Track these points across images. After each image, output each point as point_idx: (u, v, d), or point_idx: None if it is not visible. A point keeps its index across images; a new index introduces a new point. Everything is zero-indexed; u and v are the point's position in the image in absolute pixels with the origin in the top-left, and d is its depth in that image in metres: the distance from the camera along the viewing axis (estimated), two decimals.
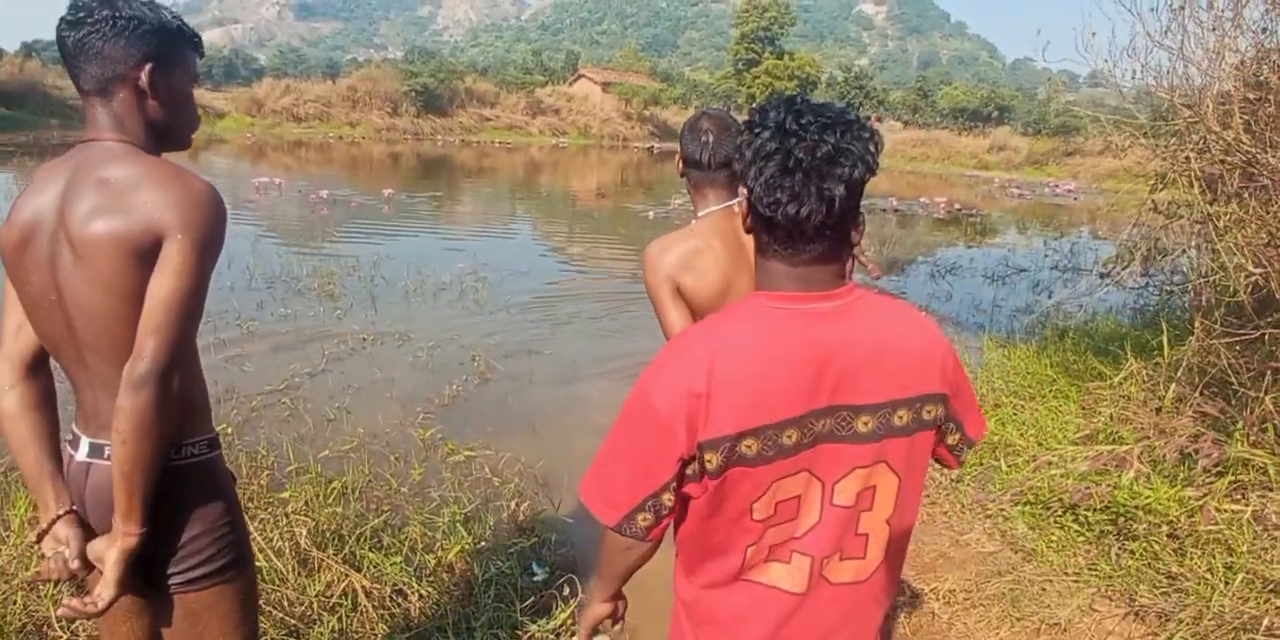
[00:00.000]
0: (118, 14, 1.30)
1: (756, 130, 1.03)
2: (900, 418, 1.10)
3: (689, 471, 1.07)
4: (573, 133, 41.11)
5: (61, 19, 1.31)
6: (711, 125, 1.84)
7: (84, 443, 1.38)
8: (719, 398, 1.02)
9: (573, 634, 2.67)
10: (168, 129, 1.42)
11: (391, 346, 5.93)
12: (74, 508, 1.42)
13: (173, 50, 1.39)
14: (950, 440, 1.22)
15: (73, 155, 1.36)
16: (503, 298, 7.65)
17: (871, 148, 1.03)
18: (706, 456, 1.03)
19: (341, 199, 14.24)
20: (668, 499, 1.08)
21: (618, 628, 1.41)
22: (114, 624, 1.54)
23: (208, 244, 1.30)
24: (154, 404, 1.23)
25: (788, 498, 1.08)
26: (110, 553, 1.29)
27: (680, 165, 1.91)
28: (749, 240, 1.83)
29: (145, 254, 1.26)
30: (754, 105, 1.11)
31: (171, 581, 1.41)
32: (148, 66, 1.34)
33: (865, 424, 1.08)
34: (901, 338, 1.11)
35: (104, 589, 1.28)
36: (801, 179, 1.00)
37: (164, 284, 1.25)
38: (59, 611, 1.38)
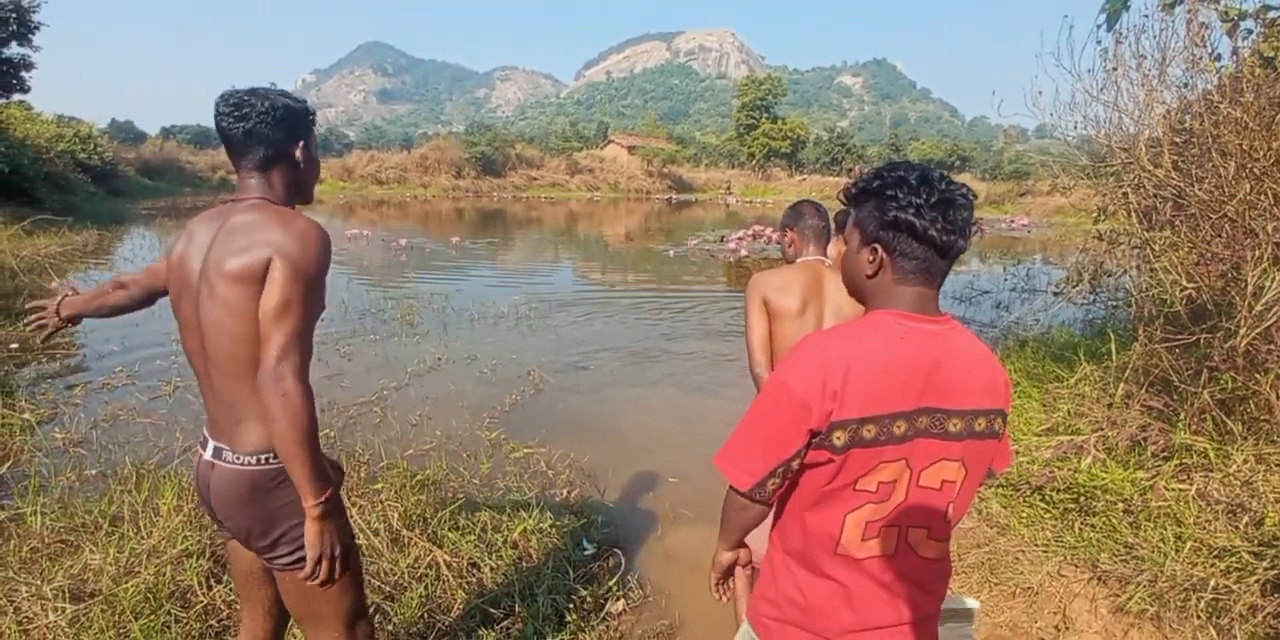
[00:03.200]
0: (274, 105, 1.38)
1: (914, 184, 1.10)
2: (979, 424, 1.13)
3: (814, 443, 1.10)
4: (605, 188, 41.51)
5: (225, 115, 1.37)
6: (810, 209, 2.30)
7: (210, 444, 1.42)
8: (852, 390, 1.07)
9: (617, 599, 2.66)
10: (306, 187, 1.51)
11: (461, 365, 5.99)
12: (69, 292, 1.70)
13: (308, 125, 1.47)
14: None
15: (222, 211, 1.43)
16: (551, 324, 7.71)
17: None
18: (836, 434, 1.07)
19: (417, 246, 14.49)
20: (796, 464, 1.12)
21: (749, 569, 1.42)
22: (252, 589, 1.58)
23: (302, 266, 1.33)
24: (289, 393, 1.26)
25: (887, 480, 1.12)
26: (308, 528, 1.33)
27: (786, 231, 2.32)
28: (828, 283, 2.13)
29: (261, 280, 1.32)
30: (882, 169, 1.15)
31: (284, 561, 1.42)
32: (300, 143, 1.43)
33: (955, 425, 1.12)
34: (982, 360, 1.16)
35: (310, 551, 1.34)
36: (961, 218, 1.10)
37: (268, 298, 1.30)
38: (300, 574, 1.39)
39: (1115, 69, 4.02)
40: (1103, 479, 3.07)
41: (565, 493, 3.55)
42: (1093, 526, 2.94)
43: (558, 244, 17.55)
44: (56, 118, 24.04)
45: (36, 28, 19.84)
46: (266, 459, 1.37)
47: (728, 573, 1.38)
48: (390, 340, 6.69)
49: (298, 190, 1.49)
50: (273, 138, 1.39)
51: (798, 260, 2.26)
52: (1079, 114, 4.31)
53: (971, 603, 1.51)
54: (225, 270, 1.32)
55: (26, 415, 4.09)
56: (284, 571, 1.44)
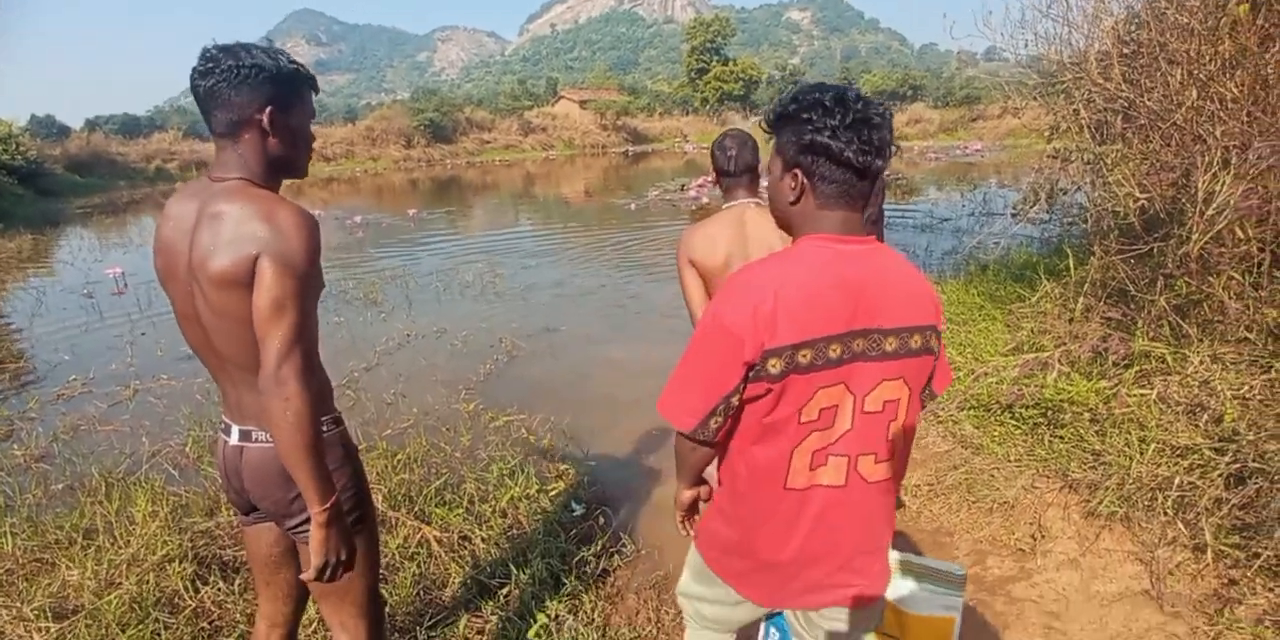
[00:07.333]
0: (241, 63, 1.25)
1: (829, 105, 1.08)
2: (915, 341, 1.15)
3: (751, 375, 1.10)
4: (559, 146, 40.54)
5: (194, 70, 1.27)
6: (733, 142, 2.03)
7: (234, 430, 1.39)
8: (783, 316, 1.06)
9: (611, 555, 2.69)
10: (287, 162, 1.37)
11: (431, 339, 5.89)
12: None
13: (291, 92, 1.33)
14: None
15: (199, 192, 1.32)
16: (518, 288, 7.61)
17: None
18: (771, 362, 1.07)
19: (373, 222, 14.08)
20: (735, 400, 1.11)
21: (707, 504, 1.42)
22: (270, 573, 1.55)
23: (291, 262, 1.24)
24: (291, 397, 1.21)
25: (828, 406, 1.12)
26: (313, 535, 1.29)
27: (715, 175, 2.09)
28: (751, 226, 1.97)
29: (248, 282, 1.23)
30: (797, 92, 1.12)
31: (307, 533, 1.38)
32: (268, 109, 1.29)
33: (890, 344, 1.13)
34: (908, 278, 1.17)
35: (315, 558, 1.30)
36: (877, 138, 1.07)
37: (260, 299, 1.22)
38: (303, 576, 1.34)
39: None
40: (1068, 392, 3.14)
41: (549, 457, 3.55)
42: (1061, 438, 3.02)
43: (517, 207, 17.20)
44: None
45: None
46: None
47: (691, 510, 1.44)
48: (355, 320, 6.55)
49: (278, 165, 1.35)
50: (232, 99, 1.26)
51: (724, 206, 2.05)
52: (1030, 31, 4.25)
53: (960, 569, 1.45)
54: (211, 273, 1.23)
55: None
56: None
